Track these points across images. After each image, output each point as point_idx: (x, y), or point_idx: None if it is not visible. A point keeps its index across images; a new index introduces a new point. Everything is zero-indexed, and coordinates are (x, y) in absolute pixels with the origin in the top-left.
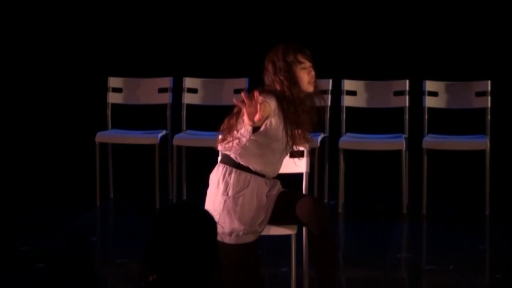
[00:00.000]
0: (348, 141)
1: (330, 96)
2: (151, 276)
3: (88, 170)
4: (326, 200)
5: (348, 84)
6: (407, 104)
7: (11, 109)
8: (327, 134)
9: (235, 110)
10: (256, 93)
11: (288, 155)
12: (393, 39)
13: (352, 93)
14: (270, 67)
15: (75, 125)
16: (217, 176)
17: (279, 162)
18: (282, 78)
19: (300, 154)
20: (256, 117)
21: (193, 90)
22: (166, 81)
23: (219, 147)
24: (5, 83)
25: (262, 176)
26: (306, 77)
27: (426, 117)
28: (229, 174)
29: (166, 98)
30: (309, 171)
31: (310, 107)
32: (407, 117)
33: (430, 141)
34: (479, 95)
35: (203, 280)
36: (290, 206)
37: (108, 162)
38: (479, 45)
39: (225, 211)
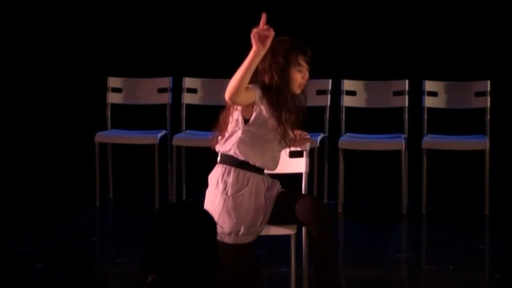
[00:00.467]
0: (348, 141)
1: (329, 96)
2: (151, 276)
3: (88, 170)
4: (326, 200)
5: (347, 84)
6: (406, 104)
7: (10, 109)
8: (326, 134)
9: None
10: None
11: (288, 155)
12: (393, 39)
13: (352, 93)
14: (268, 55)
15: (75, 125)
16: (216, 176)
17: (277, 154)
18: (274, 74)
19: (299, 154)
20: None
21: (192, 90)
22: (166, 81)
23: (217, 148)
24: (5, 83)
25: (262, 173)
26: (298, 79)
27: (426, 117)
28: (228, 173)
29: (165, 98)
30: (308, 171)
31: (294, 105)
32: (406, 117)
33: (430, 141)
34: (479, 95)
35: (203, 280)
36: (290, 206)
37: (107, 162)
38: (479, 45)
39: (224, 211)
